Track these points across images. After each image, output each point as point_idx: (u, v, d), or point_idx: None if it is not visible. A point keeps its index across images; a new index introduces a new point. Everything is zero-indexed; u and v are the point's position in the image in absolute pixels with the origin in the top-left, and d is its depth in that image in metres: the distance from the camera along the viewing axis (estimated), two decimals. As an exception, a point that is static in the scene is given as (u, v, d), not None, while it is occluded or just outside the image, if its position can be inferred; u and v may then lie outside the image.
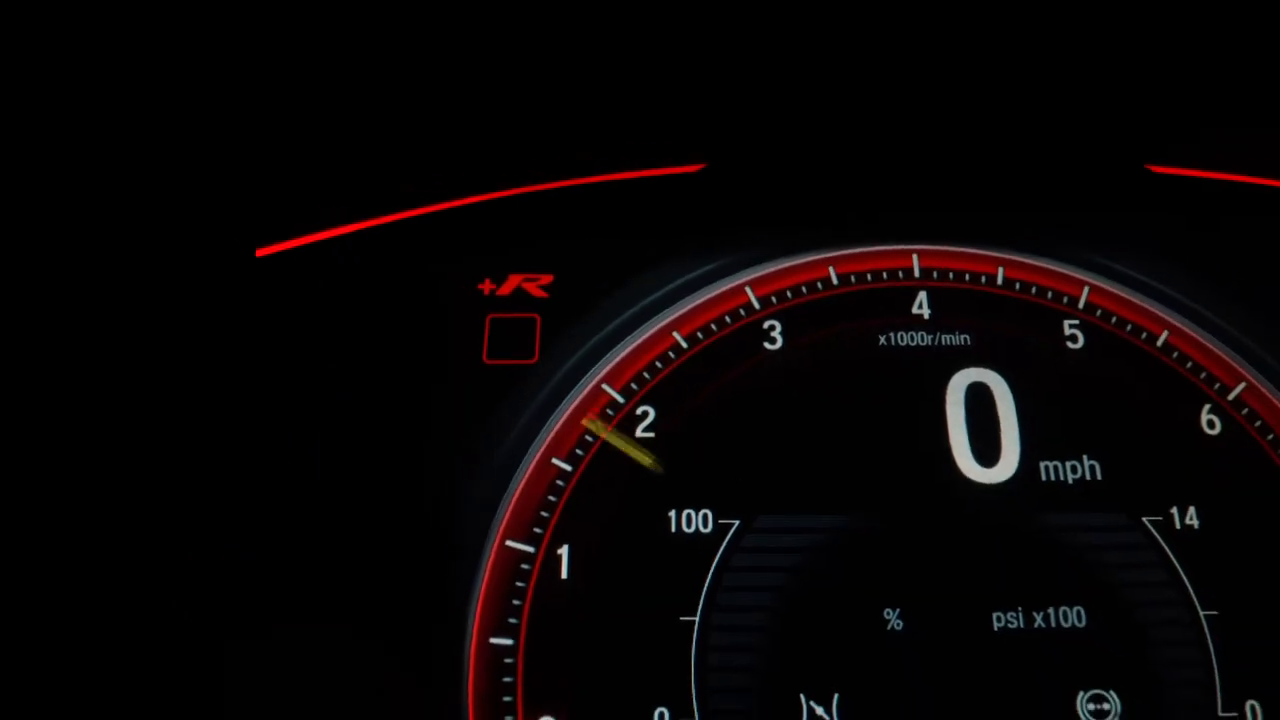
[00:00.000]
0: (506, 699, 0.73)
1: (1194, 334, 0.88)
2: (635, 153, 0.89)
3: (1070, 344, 0.87)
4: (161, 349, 0.78)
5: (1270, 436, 0.83)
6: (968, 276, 0.91)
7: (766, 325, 0.88)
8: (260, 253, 0.86)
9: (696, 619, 0.75)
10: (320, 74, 0.78)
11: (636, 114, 0.87)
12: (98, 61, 0.74)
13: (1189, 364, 0.86)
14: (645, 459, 0.80)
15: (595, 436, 0.83)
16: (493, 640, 0.75)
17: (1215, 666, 0.74)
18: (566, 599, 0.76)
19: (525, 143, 0.87)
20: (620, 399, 0.83)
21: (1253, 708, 0.72)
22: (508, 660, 0.74)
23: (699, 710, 0.72)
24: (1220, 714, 0.72)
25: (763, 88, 0.86)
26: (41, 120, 0.76)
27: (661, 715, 0.72)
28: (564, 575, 0.77)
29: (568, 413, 0.83)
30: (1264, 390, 0.85)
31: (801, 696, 0.73)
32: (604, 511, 0.79)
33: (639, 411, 0.83)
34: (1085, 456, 0.82)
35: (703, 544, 0.78)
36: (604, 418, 0.81)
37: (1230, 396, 0.85)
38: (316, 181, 0.86)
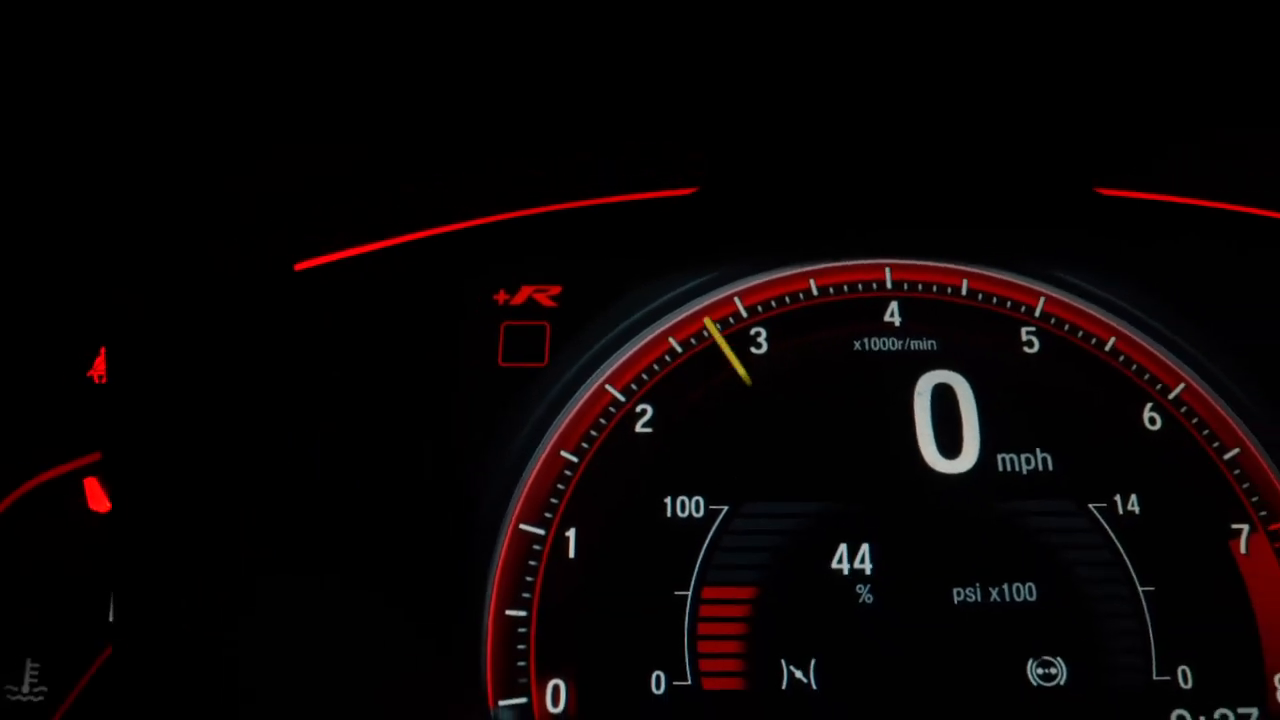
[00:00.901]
0: (520, 664, 0.77)
1: (1139, 339, 0.90)
2: (635, 176, 0.92)
3: (1027, 349, 0.90)
4: (227, 355, 0.82)
5: (1205, 432, 0.86)
6: (935, 288, 0.93)
7: (753, 332, 0.90)
8: (298, 267, 0.89)
9: (689, 594, 0.79)
10: (362, 111, 0.83)
11: (636, 142, 0.90)
12: (152, 92, 0.78)
13: (1134, 366, 0.89)
14: (741, 371, 0.85)
15: (704, 337, 0.88)
16: (508, 612, 0.78)
17: (1151, 636, 0.77)
18: (574, 576, 0.80)
19: (537, 165, 0.90)
20: (621, 398, 0.86)
21: (1184, 672, 0.76)
22: (521, 630, 0.78)
23: (691, 674, 0.76)
24: (1155, 678, 0.76)
25: (750, 119, 0.89)
26: (89, 140, 0.79)
27: (659, 678, 0.75)
28: (571, 555, 0.80)
29: (575, 410, 0.86)
30: (1201, 390, 0.88)
31: (783, 661, 0.77)
32: (607, 498, 0.82)
33: (638, 409, 0.86)
34: (1038, 449, 0.85)
35: (695, 527, 0.81)
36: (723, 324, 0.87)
37: (1170, 396, 0.87)
38: (349, 202, 0.89)
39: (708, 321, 0.86)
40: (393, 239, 0.90)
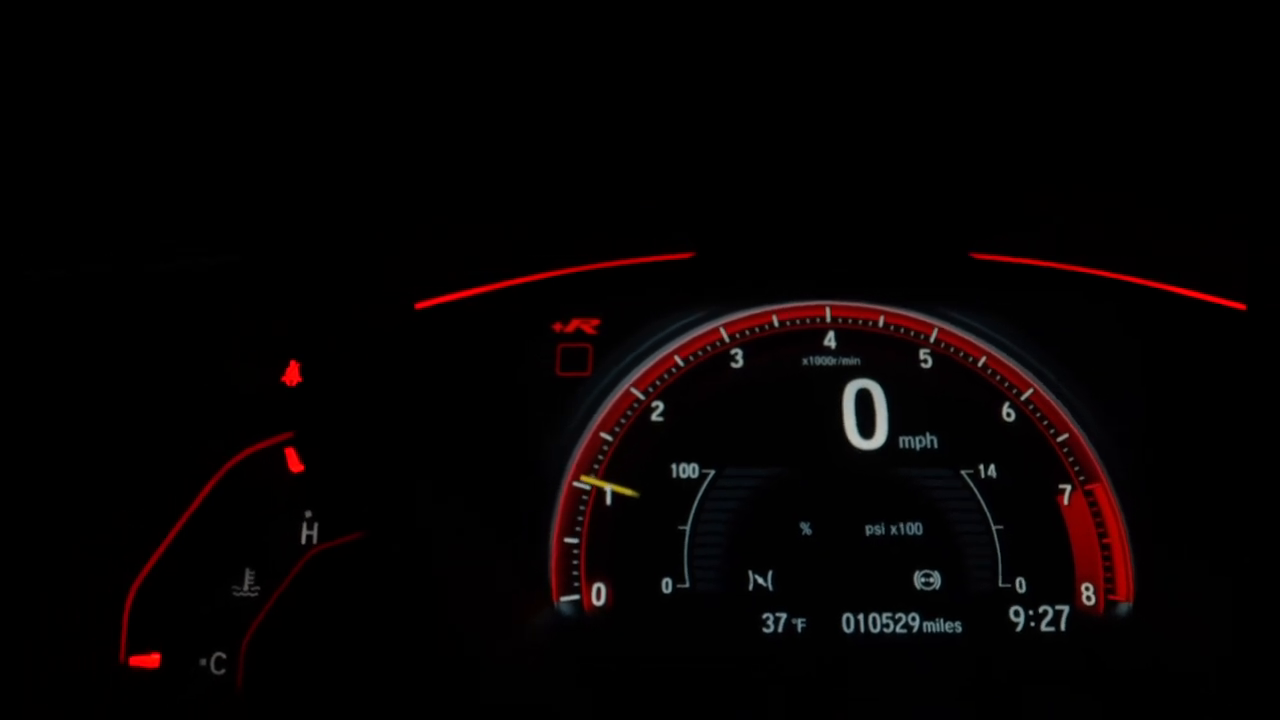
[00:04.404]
0: (574, 573, 0.94)
1: (1001, 358, 1.05)
2: (649, 245, 1.07)
3: (923, 364, 1.05)
4: (374, 367, 0.98)
5: (1045, 422, 1.01)
6: (861, 321, 1.07)
7: (733, 352, 1.04)
8: (418, 305, 1.04)
9: (688, 528, 0.95)
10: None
11: (650, 226, 1.05)
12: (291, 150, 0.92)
13: (998, 377, 1.04)
14: (625, 491, 0.97)
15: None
16: (566, 540, 0.95)
17: (999, 557, 0.94)
18: (610, 516, 0.96)
19: (586, 242, 1.07)
20: (642, 397, 1.01)
21: (1020, 581, 0.94)
22: (575, 551, 0.94)
23: (689, 579, 0.93)
24: (1000, 585, 0.93)
25: (733, 214, 1.06)
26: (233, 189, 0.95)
27: (666, 582, 0.92)
28: (608, 502, 0.96)
29: (609, 406, 1.01)
30: (1044, 394, 1.04)
31: (749, 572, 0.93)
32: (632, 463, 0.98)
33: (653, 405, 1.00)
34: (928, 433, 1.00)
35: (692, 484, 0.97)
36: (591, 472, 0.97)
37: (1022, 398, 1.03)
38: (461, 259, 1.04)
39: (583, 479, 0.96)
40: (483, 287, 1.06)
